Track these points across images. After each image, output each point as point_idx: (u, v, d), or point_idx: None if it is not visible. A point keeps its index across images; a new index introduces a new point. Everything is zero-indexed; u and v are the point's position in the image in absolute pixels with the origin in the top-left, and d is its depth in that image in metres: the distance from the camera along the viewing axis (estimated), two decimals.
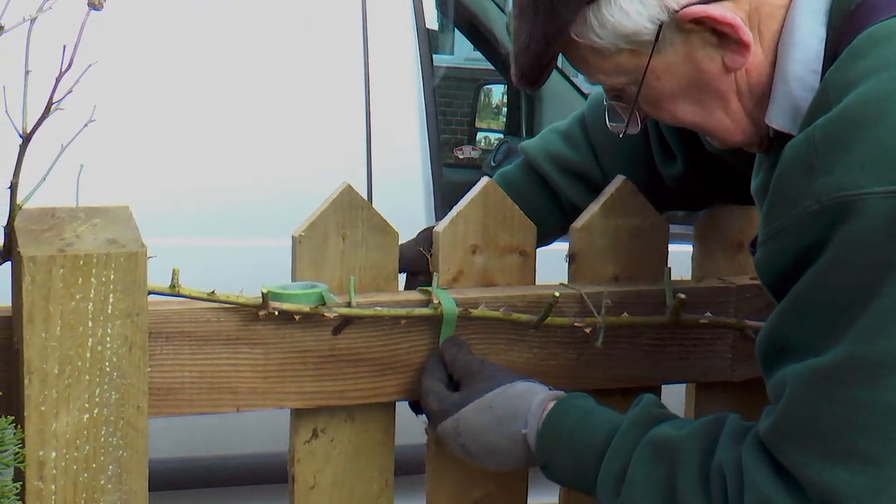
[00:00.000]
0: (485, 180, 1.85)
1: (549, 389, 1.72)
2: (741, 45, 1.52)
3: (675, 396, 2.02)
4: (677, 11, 1.50)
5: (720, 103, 1.58)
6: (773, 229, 1.44)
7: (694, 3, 1.50)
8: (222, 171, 2.91)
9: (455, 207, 1.85)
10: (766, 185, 1.56)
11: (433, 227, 1.88)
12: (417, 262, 1.91)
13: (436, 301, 1.77)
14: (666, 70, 1.56)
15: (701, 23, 1.51)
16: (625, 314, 1.86)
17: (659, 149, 1.95)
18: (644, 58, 1.54)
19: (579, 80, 4.57)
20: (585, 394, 1.72)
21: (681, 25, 1.51)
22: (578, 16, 1.52)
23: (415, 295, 1.80)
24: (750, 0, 1.52)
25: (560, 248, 1.96)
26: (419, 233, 1.97)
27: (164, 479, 2.65)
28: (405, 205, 2.05)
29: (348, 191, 1.78)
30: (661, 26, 1.51)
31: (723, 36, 1.52)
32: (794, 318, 1.43)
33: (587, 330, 1.83)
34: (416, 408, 1.87)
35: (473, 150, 6.72)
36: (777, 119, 1.56)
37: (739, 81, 1.56)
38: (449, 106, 10.54)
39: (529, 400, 1.69)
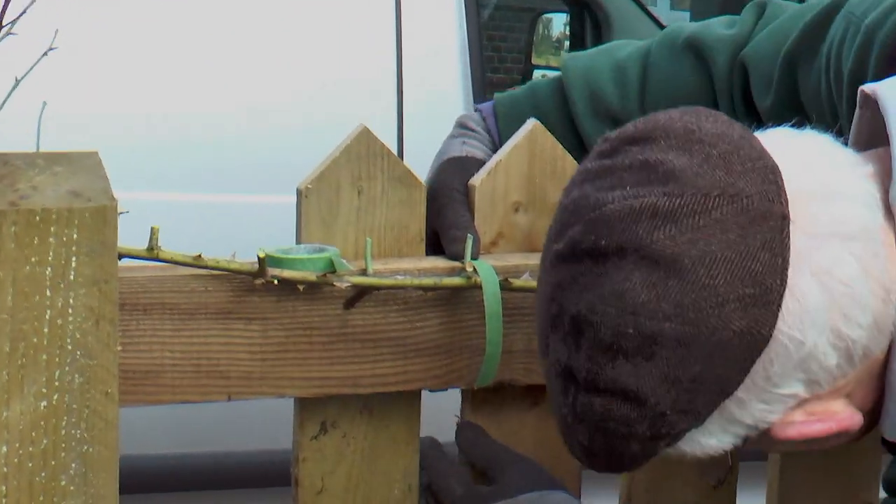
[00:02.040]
0: (531, 123, 1.75)
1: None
2: (850, 431, 1.38)
3: None
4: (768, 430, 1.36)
5: (832, 442, 1.44)
6: None
7: (780, 412, 1.34)
8: (218, 115, 2.86)
9: (495, 156, 1.77)
10: None
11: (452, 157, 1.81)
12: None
13: (470, 269, 1.67)
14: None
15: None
16: None
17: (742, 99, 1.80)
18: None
19: (657, 8, 4.54)
20: None
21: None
22: (650, 460, 1.39)
23: (443, 261, 1.71)
24: (855, 374, 1.34)
25: None
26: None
27: (147, 479, 2.61)
28: None
29: (365, 135, 1.68)
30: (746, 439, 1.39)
31: None
32: None
33: None
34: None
35: None
36: (894, 433, 1.42)
37: None
38: (503, 40, 10.43)
39: None
